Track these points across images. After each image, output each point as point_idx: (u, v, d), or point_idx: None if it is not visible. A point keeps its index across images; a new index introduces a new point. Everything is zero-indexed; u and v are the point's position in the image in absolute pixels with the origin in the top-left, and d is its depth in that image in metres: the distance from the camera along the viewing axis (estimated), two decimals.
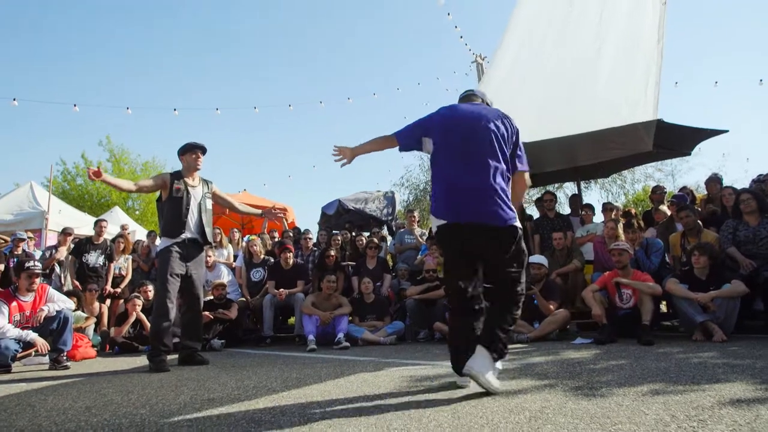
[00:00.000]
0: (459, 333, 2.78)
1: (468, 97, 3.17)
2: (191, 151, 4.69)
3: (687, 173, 18.44)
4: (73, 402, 2.81)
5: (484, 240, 2.68)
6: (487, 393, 2.50)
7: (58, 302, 4.89)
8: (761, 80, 10.87)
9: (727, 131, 6.52)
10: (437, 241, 3.07)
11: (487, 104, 3.11)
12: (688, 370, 2.90)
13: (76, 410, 2.58)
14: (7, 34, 37.61)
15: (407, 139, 3.05)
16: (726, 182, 6.59)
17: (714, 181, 6.49)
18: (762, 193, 5.58)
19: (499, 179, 2.69)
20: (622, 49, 6.99)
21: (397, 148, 3.10)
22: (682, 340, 4.53)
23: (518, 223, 2.70)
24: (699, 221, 5.54)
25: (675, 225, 6.15)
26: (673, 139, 6.58)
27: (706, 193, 7.09)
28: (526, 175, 2.98)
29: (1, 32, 36.77)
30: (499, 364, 2.69)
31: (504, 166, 2.75)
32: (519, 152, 2.90)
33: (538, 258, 5.68)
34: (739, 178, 20.08)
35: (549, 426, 1.88)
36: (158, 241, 4.27)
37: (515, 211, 2.72)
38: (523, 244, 2.74)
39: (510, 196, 2.75)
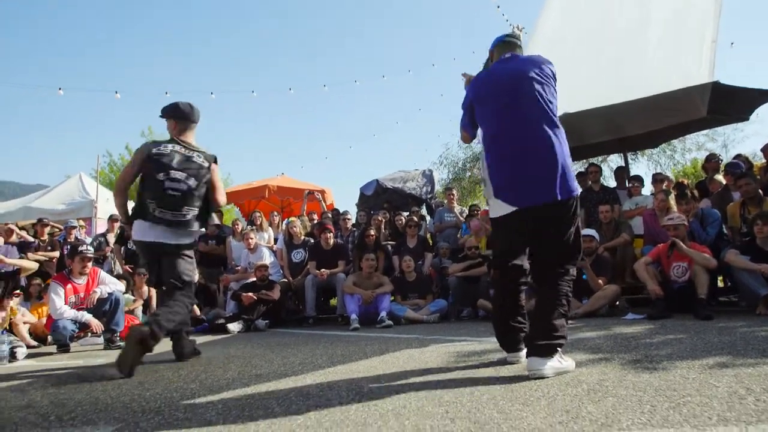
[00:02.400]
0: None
1: (506, 45, 2.80)
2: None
3: (741, 143, 17.29)
4: (126, 378, 2.89)
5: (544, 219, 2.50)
6: None
7: (110, 284, 5.04)
8: None
9: None
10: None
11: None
12: (756, 344, 2.72)
13: (130, 385, 2.64)
14: (47, 23, 39.09)
15: (468, 128, 2.85)
16: None
17: None
18: None
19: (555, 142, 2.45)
20: (675, 6, 6.56)
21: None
22: (743, 314, 4.28)
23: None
24: (759, 189, 5.21)
25: (731, 195, 5.81)
26: (729, 104, 6.17)
27: (764, 161, 6.66)
28: None
29: (43, 22, 38.24)
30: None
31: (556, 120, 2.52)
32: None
33: (588, 231, 5.47)
34: None
35: (610, 398, 1.79)
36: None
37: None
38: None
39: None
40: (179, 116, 3.61)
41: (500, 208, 2.55)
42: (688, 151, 16.72)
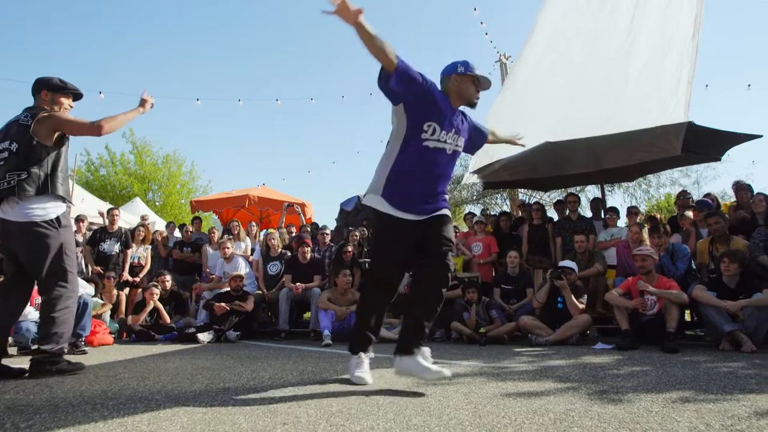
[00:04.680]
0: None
1: None
2: (62, 93, 3.50)
3: (713, 181, 18.04)
4: (89, 385, 2.81)
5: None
6: (509, 394, 2.44)
7: (84, 287, 4.93)
8: None
9: (760, 136, 6.32)
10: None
11: None
12: (718, 379, 2.79)
13: (92, 393, 2.58)
14: (32, 21, 38.39)
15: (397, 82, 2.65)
16: (755, 190, 6.37)
17: (744, 188, 6.29)
18: None
19: None
20: (654, 45, 6.79)
21: (385, 74, 2.62)
22: (708, 349, 4.39)
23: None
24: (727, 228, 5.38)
25: (699, 231, 5.99)
26: (703, 143, 6.42)
27: (732, 200, 6.89)
28: None
29: (24, 20, 37.55)
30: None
31: None
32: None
33: (569, 263, 5.56)
34: (767, 186, 19.55)
35: (576, 429, 1.81)
36: (42, 205, 3.22)
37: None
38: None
39: None
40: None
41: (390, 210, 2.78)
42: (663, 186, 17.25)
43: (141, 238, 7.57)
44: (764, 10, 42.79)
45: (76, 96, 3.59)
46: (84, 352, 4.58)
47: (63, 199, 3.32)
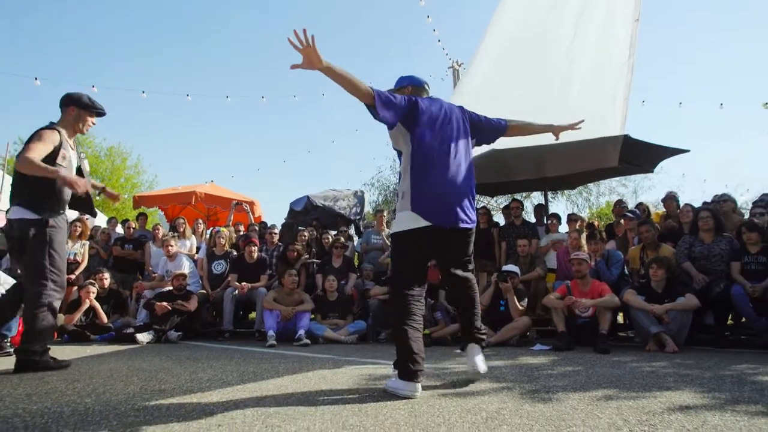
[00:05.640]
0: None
1: (424, 90, 3.11)
2: (89, 112, 3.75)
3: (649, 190, 19.08)
4: (12, 389, 2.67)
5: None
6: (445, 394, 2.51)
7: (4, 285, 4.65)
8: (722, 104, 11.33)
9: (688, 151, 6.76)
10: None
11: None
12: (640, 378, 2.97)
13: (15, 397, 2.45)
14: None
15: (391, 115, 2.70)
16: (684, 201, 6.81)
17: (672, 199, 6.71)
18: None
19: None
20: (593, 63, 7.15)
21: (371, 108, 2.71)
22: (636, 349, 4.64)
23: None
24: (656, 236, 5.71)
25: (632, 238, 6.32)
26: (638, 156, 6.78)
27: (664, 210, 7.31)
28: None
29: None
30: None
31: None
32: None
33: (512, 267, 5.72)
34: (696, 197, 20.84)
35: (505, 427, 1.88)
36: (22, 214, 3.42)
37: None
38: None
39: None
40: None
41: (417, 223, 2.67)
42: (602, 195, 18.08)
43: (78, 233, 7.22)
44: (695, 37, 45.79)
45: (99, 114, 3.83)
46: (9, 354, 4.31)
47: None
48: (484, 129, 3.15)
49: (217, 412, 2.14)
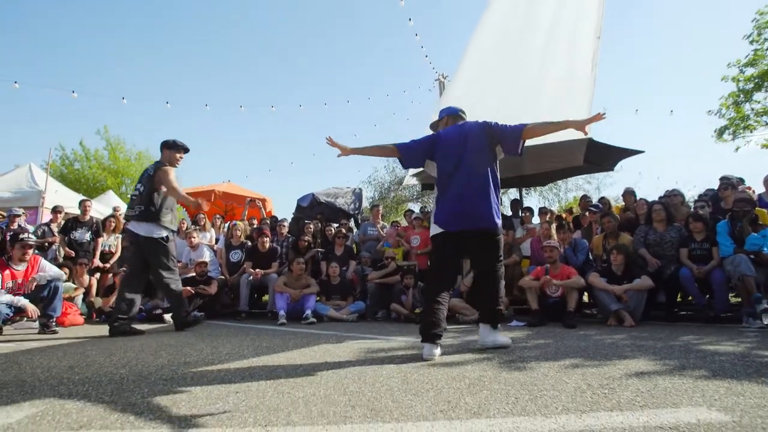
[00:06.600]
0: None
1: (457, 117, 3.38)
2: (177, 150, 4.62)
3: (610, 186, 19.05)
4: (57, 361, 2.67)
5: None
6: (434, 364, 2.52)
7: (50, 272, 4.64)
8: (672, 111, 11.33)
9: (643, 152, 6.80)
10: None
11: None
12: (602, 349, 2.99)
13: (60, 368, 2.45)
14: (8, 17, 35.50)
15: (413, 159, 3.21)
16: (640, 195, 6.83)
17: (629, 193, 6.73)
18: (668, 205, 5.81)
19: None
20: (562, 74, 7.13)
21: (401, 161, 3.20)
22: (599, 324, 4.66)
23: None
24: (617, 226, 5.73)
25: (596, 229, 6.35)
26: (600, 156, 6.80)
27: (623, 203, 7.34)
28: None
29: (2, 16, 34.68)
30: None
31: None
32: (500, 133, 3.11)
33: None
34: (650, 192, 20.92)
35: (485, 391, 1.90)
36: (154, 229, 4.40)
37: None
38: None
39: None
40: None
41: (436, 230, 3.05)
42: (570, 191, 18.10)
43: (112, 227, 7.19)
44: (652, 54, 45.77)
45: (185, 150, 4.66)
46: (55, 332, 4.32)
47: (167, 227, 4.48)
48: (505, 137, 3.07)
49: (235, 380, 2.15)
